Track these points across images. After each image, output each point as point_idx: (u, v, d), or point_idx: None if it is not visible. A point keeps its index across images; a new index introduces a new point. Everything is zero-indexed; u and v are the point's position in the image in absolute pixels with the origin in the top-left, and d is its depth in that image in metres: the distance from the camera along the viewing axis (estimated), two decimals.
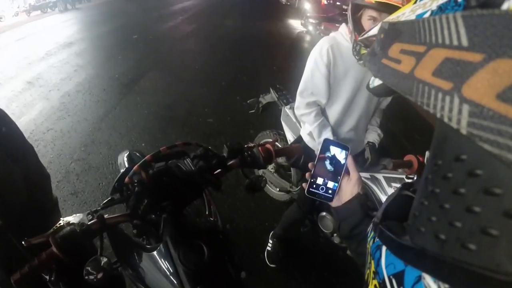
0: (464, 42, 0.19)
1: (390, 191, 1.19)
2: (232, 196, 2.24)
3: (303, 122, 1.48)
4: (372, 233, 0.36)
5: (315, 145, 1.46)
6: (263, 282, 1.72)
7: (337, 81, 1.28)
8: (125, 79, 4.19)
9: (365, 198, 0.58)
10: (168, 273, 0.74)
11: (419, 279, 0.24)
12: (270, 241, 1.86)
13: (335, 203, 0.61)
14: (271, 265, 1.80)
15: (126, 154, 1.10)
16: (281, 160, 1.99)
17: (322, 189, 0.62)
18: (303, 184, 0.65)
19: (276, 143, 0.90)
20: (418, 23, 0.24)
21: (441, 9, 0.24)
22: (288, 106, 1.88)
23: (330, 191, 0.62)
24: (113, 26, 7.17)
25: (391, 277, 0.28)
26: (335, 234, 1.63)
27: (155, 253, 0.76)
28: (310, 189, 0.63)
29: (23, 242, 0.59)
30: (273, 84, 2.11)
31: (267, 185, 2.12)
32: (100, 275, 0.62)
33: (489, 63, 0.17)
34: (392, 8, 1.01)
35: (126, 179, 0.71)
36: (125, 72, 4.42)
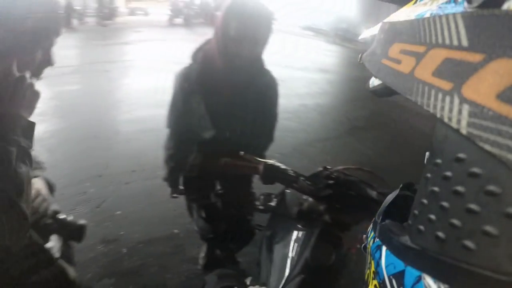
0: (464, 42, 0.19)
1: None
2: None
3: None
4: (372, 233, 0.36)
5: None
6: None
7: None
8: (355, 123, 4.48)
9: None
10: (291, 256, 0.87)
11: (419, 279, 0.24)
12: None
13: None
14: None
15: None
16: None
17: None
18: None
19: None
20: (418, 23, 0.24)
21: (441, 9, 0.24)
22: None
23: None
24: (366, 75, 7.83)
25: (391, 277, 0.28)
26: None
27: (297, 233, 0.90)
28: None
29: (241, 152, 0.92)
30: None
31: None
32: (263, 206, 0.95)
33: (489, 63, 0.17)
34: None
35: (334, 170, 0.89)
36: (358, 118, 4.68)
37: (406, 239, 0.28)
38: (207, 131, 1.25)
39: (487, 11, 0.18)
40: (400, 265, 0.27)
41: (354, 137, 4.03)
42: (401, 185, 0.43)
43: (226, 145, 1.23)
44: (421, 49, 0.23)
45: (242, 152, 0.88)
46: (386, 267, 0.29)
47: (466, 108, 0.18)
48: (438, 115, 0.19)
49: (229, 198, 1.38)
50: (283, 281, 0.84)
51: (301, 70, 5.78)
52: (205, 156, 1.32)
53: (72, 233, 0.90)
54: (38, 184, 0.84)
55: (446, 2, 0.24)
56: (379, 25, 0.35)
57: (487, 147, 0.17)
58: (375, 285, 0.31)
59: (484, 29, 0.18)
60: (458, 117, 0.18)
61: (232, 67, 1.13)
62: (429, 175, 0.26)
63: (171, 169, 1.40)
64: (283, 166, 0.87)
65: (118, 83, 4.89)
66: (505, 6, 0.18)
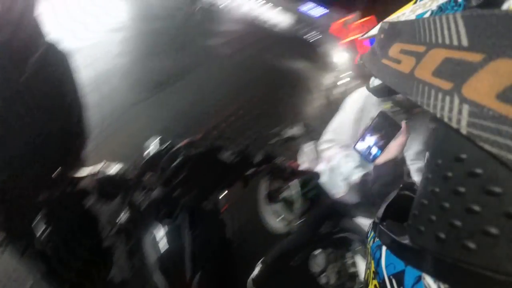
0: (464, 42, 0.19)
1: None
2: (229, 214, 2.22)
3: (328, 160, 1.46)
4: (372, 233, 0.36)
5: (329, 185, 1.45)
6: None
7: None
8: (162, 78, 4.25)
9: (402, 163, 0.61)
10: (173, 248, 0.79)
11: (419, 279, 0.24)
12: (258, 267, 1.84)
13: (376, 161, 0.68)
14: None
15: (156, 140, 1.15)
16: (287, 193, 2.01)
17: (366, 150, 0.70)
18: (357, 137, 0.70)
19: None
20: (418, 23, 0.24)
21: (441, 9, 0.24)
22: (310, 144, 1.88)
23: (371, 156, 0.69)
24: (167, 25, 7.37)
25: (391, 277, 0.28)
26: (322, 275, 1.64)
27: (166, 227, 0.81)
28: (357, 146, 0.72)
29: (55, 173, 0.62)
30: (302, 120, 2.17)
31: (266, 215, 2.10)
32: (115, 229, 0.72)
33: (489, 63, 0.17)
34: None
35: (176, 147, 0.76)
36: (163, 72, 4.47)
37: (406, 239, 0.28)
38: None
39: (487, 11, 0.18)
40: (400, 265, 0.27)
41: (166, 91, 3.87)
42: (401, 185, 0.43)
43: (29, 166, 0.84)
44: (421, 49, 0.23)
45: (57, 171, 0.60)
46: (386, 267, 0.29)
47: (466, 108, 0.18)
48: (438, 115, 0.19)
49: (61, 238, 0.92)
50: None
51: (91, 33, 5.18)
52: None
53: None
54: None
55: (446, 2, 0.24)
56: (379, 25, 0.35)
57: (487, 147, 0.17)
58: (375, 285, 0.31)
59: (484, 29, 0.18)
60: (458, 117, 0.18)
61: None
62: (429, 175, 0.26)
63: None
64: (115, 170, 0.68)
65: None
66: (505, 6, 0.18)
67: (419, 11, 0.27)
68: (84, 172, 0.64)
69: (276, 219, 2.09)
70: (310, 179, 1.70)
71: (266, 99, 4.77)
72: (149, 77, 4.16)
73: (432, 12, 0.25)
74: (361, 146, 0.71)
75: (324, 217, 1.54)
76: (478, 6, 0.20)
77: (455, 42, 0.20)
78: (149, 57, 4.93)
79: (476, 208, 0.20)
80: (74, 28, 4.85)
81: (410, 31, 0.25)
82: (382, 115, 0.70)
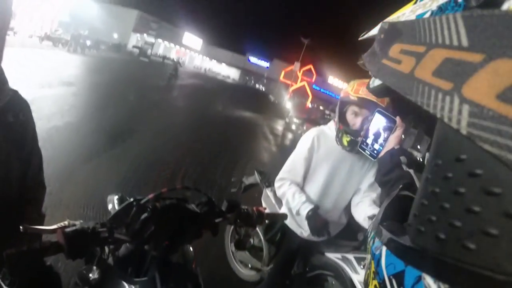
0: (464, 42, 0.19)
1: (361, 271, 1.20)
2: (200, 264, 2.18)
3: (282, 198, 1.54)
4: (372, 233, 0.36)
5: (294, 225, 1.50)
6: None
7: (316, 165, 1.44)
8: (113, 132, 4.21)
9: (399, 152, 0.67)
10: None
11: (419, 279, 0.24)
12: None
13: (379, 155, 0.73)
14: None
15: (117, 196, 1.10)
16: (255, 240, 1.99)
17: (370, 148, 0.75)
18: (359, 138, 0.74)
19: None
20: (418, 23, 0.24)
21: (441, 9, 0.24)
22: (269, 188, 1.94)
23: (375, 152, 0.74)
24: (113, 79, 7.57)
25: (391, 277, 0.28)
26: None
27: (137, 284, 0.79)
28: (361, 145, 0.77)
29: (20, 227, 0.58)
30: (258, 168, 2.20)
31: (236, 264, 2.10)
32: None
33: (489, 63, 0.17)
34: (371, 104, 1.20)
35: (144, 200, 0.74)
36: (114, 126, 4.47)
37: (406, 240, 0.28)
38: None
39: (487, 11, 0.18)
40: (400, 265, 0.27)
41: (122, 144, 3.80)
42: (400, 186, 0.43)
43: None
44: (421, 49, 0.23)
45: (22, 226, 0.57)
46: (386, 267, 0.29)
47: (466, 108, 0.18)
48: (438, 115, 0.19)
49: None
50: None
51: (44, 87, 5.28)
52: None
53: None
54: None
55: (446, 2, 0.24)
56: (379, 25, 0.35)
57: (487, 147, 0.17)
58: (375, 285, 0.31)
59: (484, 29, 0.18)
60: (458, 117, 0.18)
61: None
62: (429, 175, 0.26)
63: None
64: (81, 226, 0.64)
65: None
66: (505, 6, 0.18)
67: (419, 11, 0.27)
68: (49, 227, 0.61)
69: (246, 268, 2.08)
70: (273, 224, 1.77)
71: (220, 148, 5.12)
72: (102, 130, 4.13)
73: (432, 12, 0.25)
74: (365, 144, 0.76)
75: (293, 259, 1.57)
76: (478, 6, 0.20)
77: (455, 42, 0.20)
78: (100, 111, 5.00)
79: (476, 208, 0.20)
80: (16, 81, 4.70)
81: (410, 31, 0.25)
82: (378, 113, 0.74)
